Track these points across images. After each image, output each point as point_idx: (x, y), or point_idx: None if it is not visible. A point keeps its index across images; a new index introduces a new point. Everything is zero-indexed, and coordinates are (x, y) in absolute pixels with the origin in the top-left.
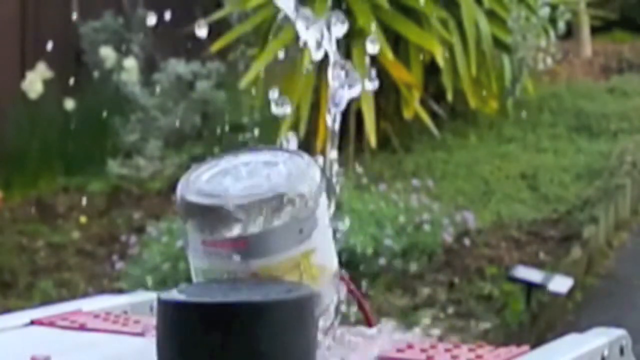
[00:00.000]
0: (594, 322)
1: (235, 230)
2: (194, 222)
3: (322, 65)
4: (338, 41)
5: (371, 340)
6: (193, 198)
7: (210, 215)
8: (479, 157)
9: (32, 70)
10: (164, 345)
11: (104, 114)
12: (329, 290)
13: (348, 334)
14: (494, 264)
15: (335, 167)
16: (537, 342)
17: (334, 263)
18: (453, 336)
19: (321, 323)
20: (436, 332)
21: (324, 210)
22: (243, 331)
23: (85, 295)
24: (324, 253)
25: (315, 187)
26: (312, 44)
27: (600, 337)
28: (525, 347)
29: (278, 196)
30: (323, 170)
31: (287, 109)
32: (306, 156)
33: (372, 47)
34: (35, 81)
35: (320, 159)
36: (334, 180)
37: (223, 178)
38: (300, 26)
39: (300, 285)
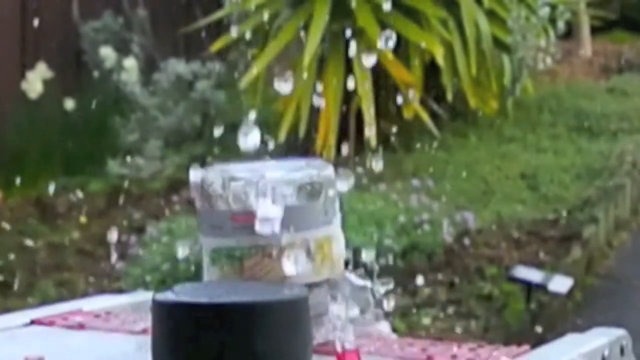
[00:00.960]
0: (594, 322)
1: (273, 202)
2: (227, 195)
3: (323, 64)
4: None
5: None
6: (226, 174)
7: (247, 186)
8: (479, 157)
9: (32, 70)
10: (159, 346)
11: (104, 114)
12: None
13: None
14: (494, 264)
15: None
16: (537, 342)
17: (343, 262)
18: (453, 336)
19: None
20: (436, 331)
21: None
22: (238, 332)
23: (85, 295)
24: (339, 245)
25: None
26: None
27: (600, 337)
28: (526, 347)
29: (308, 172)
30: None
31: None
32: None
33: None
34: (35, 81)
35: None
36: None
37: (249, 168)
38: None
39: (295, 287)
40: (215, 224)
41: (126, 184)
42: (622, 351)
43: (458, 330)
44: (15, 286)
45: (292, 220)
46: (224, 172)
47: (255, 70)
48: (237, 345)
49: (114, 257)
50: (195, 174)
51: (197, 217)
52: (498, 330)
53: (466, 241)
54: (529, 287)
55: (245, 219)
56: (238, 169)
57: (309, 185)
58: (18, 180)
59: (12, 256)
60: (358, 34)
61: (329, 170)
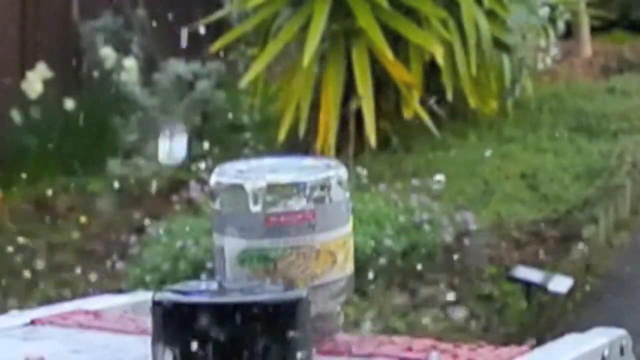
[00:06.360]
0: (594, 322)
1: (308, 202)
2: (265, 196)
3: (323, 64)
4: None
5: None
6: (268, 177)
7: (284, 188)
8: (479, 157)
9: (32, 70)
10: (159, 346)
11: (104, 114)
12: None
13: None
14: (494, 264)
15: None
16: (537, 342)
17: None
18: (453, 336)
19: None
20: (436, 331)
21: None
22: (238, 332)
23: (85, 295)
24: (352, 240)
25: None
26: None
27: (600, 337)
28: (526, 347)
29: (335, 172)
30: None
31: None
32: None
33: None
34: (35, 81)
35: None
36: None
37: (265, 167)
38: None
39: (295, 287)
40: (245, 225)
41: (126, 184)
42: (622, 351)
43: (458, 330)
44: (15, 286)
45: (324, 220)
46: (250, 172)
47: (255, 70)
48: (237, 345)
49: (114, 257)
50: (220, 174)
51: (215, 217)
52: (498, 330)
53: (466, 241)
54: (529, 287)
55: (280, 221)
56: (256, 168)
57: (338, 185)
58: (18, 181)
59: (12, 256)
60: (358, 34)
61: (344, 169)
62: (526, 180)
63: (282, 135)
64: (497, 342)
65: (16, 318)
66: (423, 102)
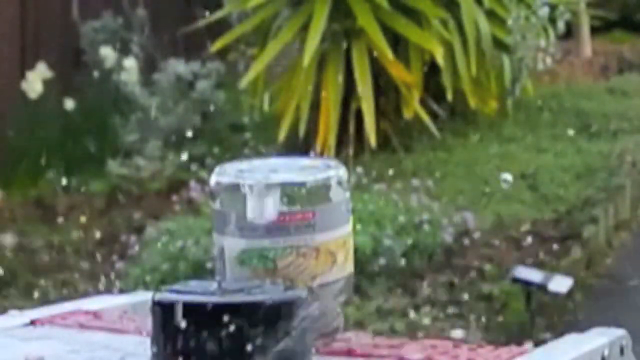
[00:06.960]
0: (594, 322)
1: (308, 202)
2: (267, 197)
3: (323, 64)
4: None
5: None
6: (269, 177)
7: (284, 188)
8: (479, 157)
9: (32, 70)
10: (159, 346)
11: (104, 114)
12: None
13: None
14: (494, 264)
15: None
16: (536, 342)
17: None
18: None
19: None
20: (436, 331)
21: None
22: (238, 332)
23: (85, 295)
24: (352, 240)
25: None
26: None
27: (600, 337)
28: (526, 347)
29: (336, 172)
30: None
31: None
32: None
33: None
34: (35, 81)
35: None
36: None
37: (272, 168)
38: None
39: (294, 287)
40: (245, 225)
41: (126, 184)
42: (622, 351)
43: (458, 330)
44: (16, 286)
45: (324, 220)
46: (250, 172)
47: (255, 70)
48: (236, 345)
49: (113, 257)
50: (220, 174)
51: (215, 217)
52: (498, 330)
53: (466, 241)
54: (529, 287)
55: (280, 220)
56: (256, 169)
57: (338, 185)
58: (18, 180)
59: (12, 256)
60: (358, 34)
61: (344, 169)
62: (526, 180)
63: (282, 135)
64: (497, 342)
65: (16, 318)
66: (423, 102)
